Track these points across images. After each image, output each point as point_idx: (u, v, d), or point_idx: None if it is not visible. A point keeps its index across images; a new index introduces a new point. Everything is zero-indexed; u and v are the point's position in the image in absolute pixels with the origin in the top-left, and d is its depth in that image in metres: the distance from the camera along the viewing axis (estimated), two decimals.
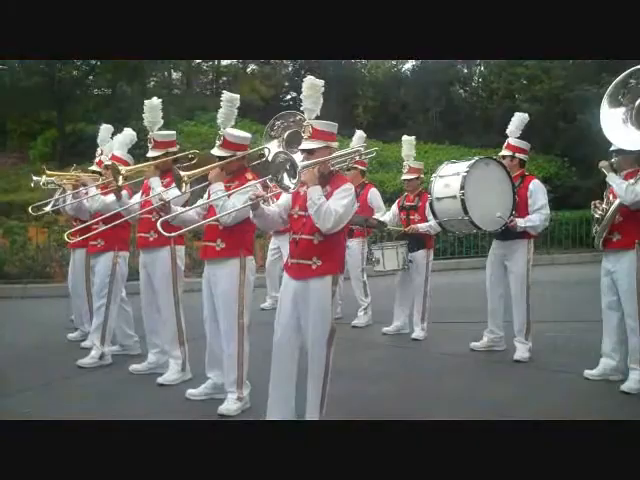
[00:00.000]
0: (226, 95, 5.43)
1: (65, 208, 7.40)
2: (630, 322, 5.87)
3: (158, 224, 5.07)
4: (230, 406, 5.23)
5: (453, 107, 27.07)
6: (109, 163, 6.51)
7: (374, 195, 8.65)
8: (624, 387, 5.82)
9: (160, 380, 6.03)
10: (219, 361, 5.43)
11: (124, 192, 6.35)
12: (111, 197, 6.45)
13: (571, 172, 20.22)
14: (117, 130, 7.31)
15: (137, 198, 6.32)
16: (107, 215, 6.43)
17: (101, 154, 7.48)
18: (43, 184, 7.50)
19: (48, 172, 7.57)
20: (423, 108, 27.52)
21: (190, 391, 5.62)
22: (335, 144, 4.68)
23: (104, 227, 6.36)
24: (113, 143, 7.09)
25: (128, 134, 6.96)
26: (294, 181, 4.28)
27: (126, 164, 6.53)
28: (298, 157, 4.54)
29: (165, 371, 6.12)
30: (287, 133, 7.09)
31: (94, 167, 7.32)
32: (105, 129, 7.65)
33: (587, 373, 6.21)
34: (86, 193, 6.95)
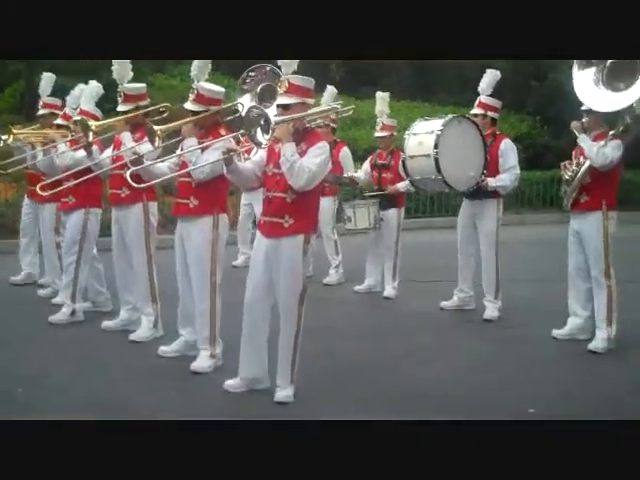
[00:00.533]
0: None
1: (36, 165, 7.21)
2: (597, 280, 5.98)
3: (127, 174, 5.01)
4: (203, 363, 5.26)
5: (427, 64, 26.85)
6: (78, 118, 6.36)
7: (346, 155, 8.61)
8: (591, 346, 5.94)
9: (132, 337, 6.02)
10: (191, 318, 5.43)
11: (95, 147, 6.20)
12: (81, 152, 6.32)
13: (543, 131, 20.21)
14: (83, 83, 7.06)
15: (108, 153, 6.19)
16: (77, 169, 6.28)
17: (43, 106, 7.37)
18: (10, 142, 7.33)
19: (15, 131, 7.35)
20: (397, 65, 27.24)
21: (162, 348, 5.62)
22: (311, 100, 4.66)
23: (74, 182, 6.24)
24: (79, 96, 6.84)
25: (94, 86, 6.68)
26: (267, 137, 4.26)
27: (96, 118, 6.35)
28: (272, 111, 4.51)
29: (137, 328, 6.11)
30: (260, 87, 6.96)
31: (59, 121, 7.10)
32: (47, 78, 7.46)
33: (555, 332, 6.32)
34: (56, 149, 6.78)
